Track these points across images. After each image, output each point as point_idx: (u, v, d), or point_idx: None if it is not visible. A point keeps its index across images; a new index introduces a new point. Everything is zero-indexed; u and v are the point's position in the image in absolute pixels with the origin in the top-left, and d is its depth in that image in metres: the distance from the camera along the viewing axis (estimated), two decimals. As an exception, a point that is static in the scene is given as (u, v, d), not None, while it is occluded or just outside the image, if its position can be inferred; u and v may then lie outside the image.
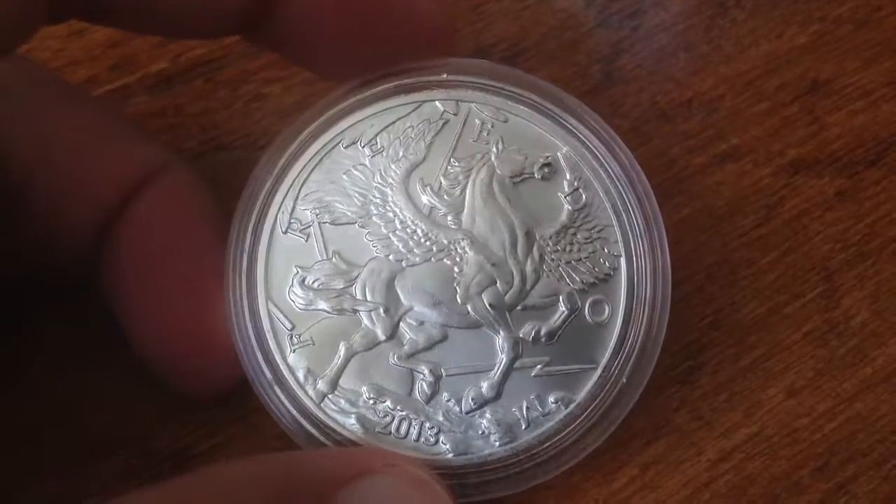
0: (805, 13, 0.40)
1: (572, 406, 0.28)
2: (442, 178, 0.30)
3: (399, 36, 0.30)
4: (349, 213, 0.29)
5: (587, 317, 0.29)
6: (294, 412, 0.28)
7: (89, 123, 0.31)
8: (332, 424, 0.28)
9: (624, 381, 0.29)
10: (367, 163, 0.30)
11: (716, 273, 0.35)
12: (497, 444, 0.28)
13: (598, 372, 0.29)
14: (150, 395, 0.31)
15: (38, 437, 0.31)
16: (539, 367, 0.29)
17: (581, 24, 0.33)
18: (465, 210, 0.30)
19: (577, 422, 0.29)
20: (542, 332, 0.29)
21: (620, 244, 0.30)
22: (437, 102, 0.30)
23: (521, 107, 0.30)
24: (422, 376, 0.28)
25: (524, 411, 0.28)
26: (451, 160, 0.30)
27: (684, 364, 0.34)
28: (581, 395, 0.29)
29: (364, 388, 0.28)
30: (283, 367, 0.28)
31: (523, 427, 0.28)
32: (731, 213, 0.36)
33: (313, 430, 0.28)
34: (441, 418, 0.28)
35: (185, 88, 0.37)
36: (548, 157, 0.30)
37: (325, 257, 0.29)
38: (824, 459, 0.33)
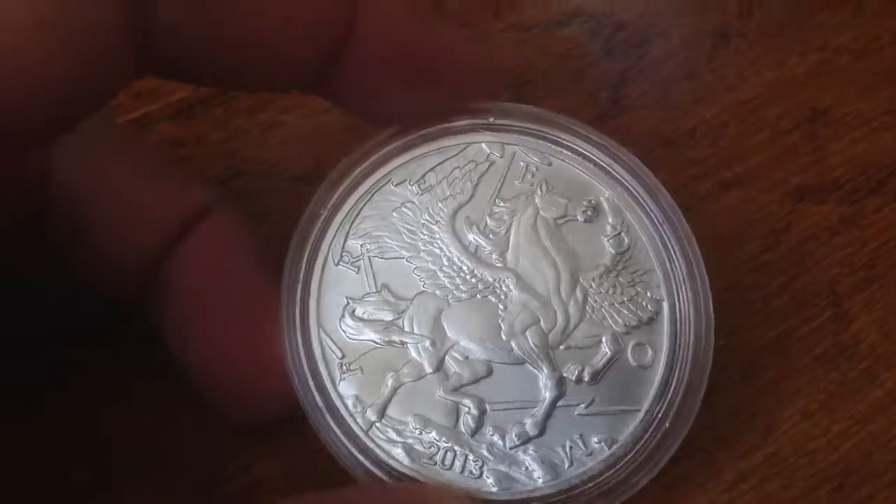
0: (805, 43, 0.42)
1: (615, 447, 0.29)
2: (487, 218, 0.31)
3: (449, 83, 0.31)
4: (398, 248, 0.30)
5: (630, 359, 0.30)
6: (343, 439, 0.29)
7: (143, 163, 0.32)
8: (379, 453, 0.29)
9: (667, 425, 0.29)
10: (415, 200, 0.31)
11: (726, 298, 0.36)
12: (540, 481, 0.29)
13: (642, 414, 0.30)
14: (186, 424, 0.32)
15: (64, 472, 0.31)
16: (582, 406, 0.30)
17: (587, 54, 0.35)
18: (510, 249, 0.31)
19: (621, 463, 0.29)
20: (586, 372, 0.30)
21: (663, 288, 0.31)
22: (483, 144, 0.32)
23: (566, 151, 0.32)
24: (467, 409, 0.29)
25: (567, 450, 0.29)
26: (497, 201, 0.31)
27: None
28: (624, 435, 0.29)
29: (410, 419, 0.29)
30: (333, 394, 0.29)
31: (566, 465, 0.29)
32: (739, 238, 0.38)
33: (361, 457, 0.29)
34: (485, 452, 0.29)
35: (205, 117, 0.38)
36: (591, 200, 0.31)
37: (374, 290, 0.30)
38: (840, 480, 0.34)
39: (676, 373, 0.30)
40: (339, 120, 0.36)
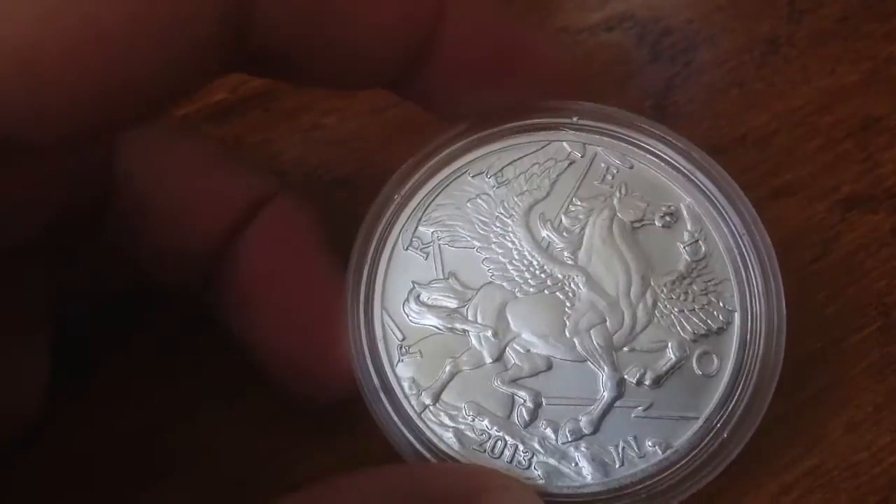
0: (855, 52, 0.41)
1: (669, 452, 0.29)
2: (563, 216, 0.31)
3: (533, 81, 0.32)
4: (469, 238, 0.31)
5: (694, 367, 0.30)
6: (396, 420, 0.29)
7: (205, 152, 0.34)
8: (430, 436, 0.29)
9: (726, 435, 0.29)
10: (491, 193, 0.31)
11: None
12: (589, 478, 0.29)
13: (700, 423, 0.29)
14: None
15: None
16: (640, 409, 0.29)
17: (633, 61, 0.34)
18: (583, 248, 0.31)
19: (673, 468, 0.29)
20: (647, 375, 0.29)
21: (736, 299, 0.30)
22: (564, 143, 0.32)
23: (648, 155, 0.32)
24: (522, 401, 0.29)
25: (619, 450, 0.29)
26: (574, 199, 0.31)
27: None
28: (679, 442, 0.29)
29: (464, 406, 0.29)
30: (390, 375, 0.29)
31: (617, 465, 0.29)
32: (789, 247, 0.36)
33: (413, 440, 0.29)
34: (536, 445, 0.29)
35: (244, 119, 0.39)
36: (670, 206, 0.31)
37: (441, 276, 0.30)
38: (884, 493, 0.33)
39: (741, 385, 0.29)
40: (380, 123, 0.37)
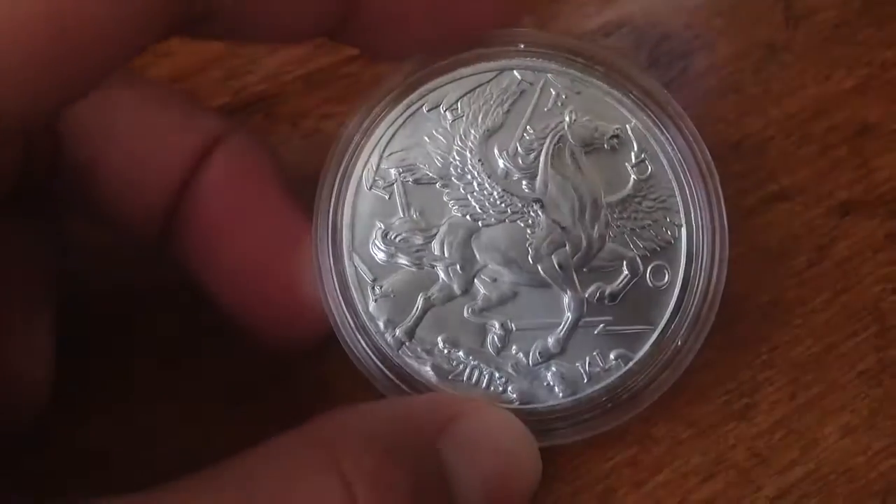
0: (852, 57, 0.42)
1: (631, 363, 0.31)
2: (518, 145, 0.32)
3: (470, 16, 0.32)
4: (430, 174, 0.32)
5: (648, 281, 0.32)
6: (374, 358, 0.31)
7: (152, 96, 0.33)
8: (408, 371, 0.31)
9: (679, 342, 0.31)
10: (447, 126, 0.32)
11: (770, 311, 0.37)
12: (560, 395, 0.31)
13: (656, 333, 0.32)
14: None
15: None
16: (601, 325, 0.31)
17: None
18: (539, 176, 0.32)
19: (635, 378, 0.31)
20: (606, 293, 0.32)
21: (682, 214, 0.32)
22: (515, 72, 0.33)
23: (594, 80, 0.33)
24: (493, 330, 0.31)
25: (586, 366, 0.31)
26: (528, 128, 0.32)
27: (740, 401, 0.36)
28: (639, 353, 0.31)
29: (439, 339, 0.31)
30: (364, 315, 0.31)
31: (585, 381, 0.31)
32: (784, 252, 0.38)
33: (392, 375, 0.31)
34: (510, 369, 0.31)
35: (245, 124, 0.39)
36: (617, 128, 0.33)
37: (406, 214, 0.32)
38: (881, 498, 0.34)
39: (690, 294, 0.32)
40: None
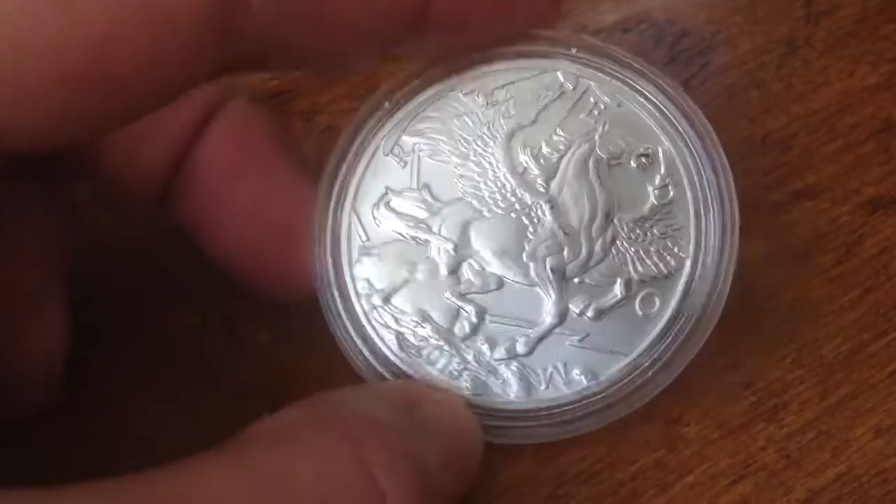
0: (875, 53, 0.40)
1: (593, 383, 0.30)
2: (544, 144, 0.32)
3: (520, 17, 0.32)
4: (449, 153, 0.32)
5: (637, 307, 0.31)
6: (344, 316, 0.32)
7: None
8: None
9: (650, 375, 0.30)
10: (479, 113, 0.32)
11: (797, 310, 0.36)
12: (512, 395, 0.30)
13: (628, 360, 0.30)
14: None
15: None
16: (576, 338, 0.31)
17: (650, 62, 0.34)
18: (556, 178, 0.32)
19: (594, 398, 0.30)
20: (591, 308, 0.31)
21: (691, 247, 0.31)
22: (559, 73, 0.32)
23: (637, 96, 0.32)
24: (466, 315, 0.31)
25: (547, 373, 0.30)
26: (558, 129, 0.32)
27: (770, 402, 0.35)
28: (605, 376, 0.30)
29: (412, 311, 0.31)
30: (347, 272, 0.32)
31: (541, 388, 0.30)
32: (811, 250, 0.37)
33: (355, 336, 0.31)
34: (471, 358, 0.31)
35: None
36: (648, 148, 0.32)
37: (415, 186, 0.32)
38: None
39: (675, 330, 0.30)
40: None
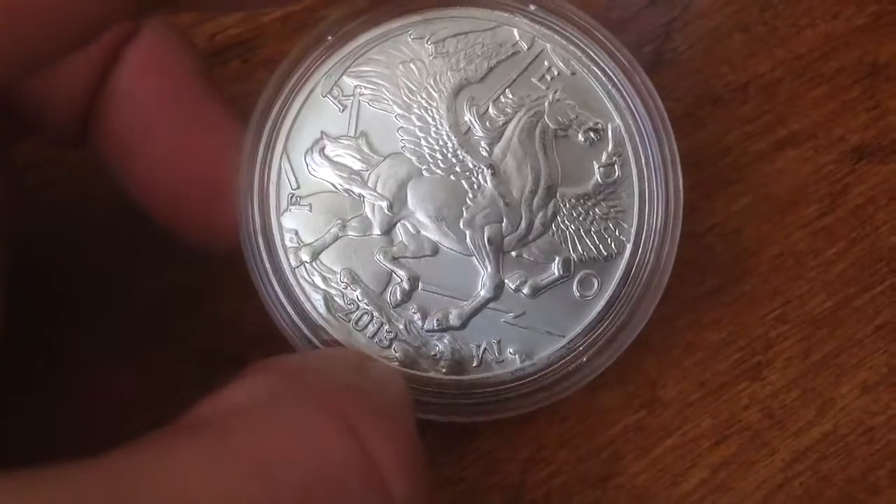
0: None
1: (527, 363, 0.30)
2: (491, 105, 0.31)
3: None
4: (391, 102, 0.30)
5: (574, 288, 0.30)
6: (269, 270, 0.29)
7: None
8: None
9: (585, 359, 0.30)
10: (426, 61, 0.30)
11: (780, 265, 0.36)
12: (444, 370, 0.29)
13: (564, 342, 0.30)
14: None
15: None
16: (511, 315, 0.30)
17: (630, 4, 0.33)
18: (501, 143, 0.30)
19: (527, 379, 0.30)
20: (528, 285, 0.30)
21: (633, 231, 0.30)
22: (514, 31, 0.31)
23: (593, 66, 0.31)
24: (398, 281, 0.29)
25: (480, 350, 0.30)
26: (507, 91, 0.31)
27: (752, 359, 0.35)
28: (538, 357, 0.30)
29: (340, 271, 0.29)
30: (274, 222, 0.29)
31: (474, 364, 0.29)
32: (794, 201, 0.37)
33: (281, 294, 0.29)
34: (401, 326, 0.29)
35: (222, 69, 0.37)
36: (598, 123, 0.31)
37: (353, 134, 0.30)
38: None
39: (613, 315, 0.30)
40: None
